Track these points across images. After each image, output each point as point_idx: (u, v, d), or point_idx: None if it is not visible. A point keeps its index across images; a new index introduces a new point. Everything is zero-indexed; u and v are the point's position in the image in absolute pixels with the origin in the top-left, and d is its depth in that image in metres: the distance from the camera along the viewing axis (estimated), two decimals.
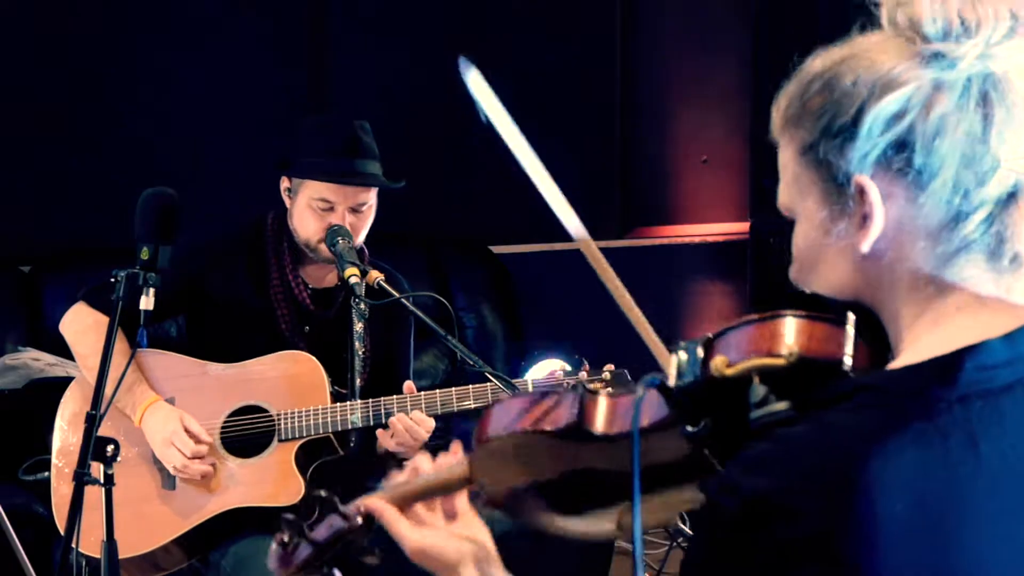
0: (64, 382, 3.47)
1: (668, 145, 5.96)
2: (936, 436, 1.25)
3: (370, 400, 3.35)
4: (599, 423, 1.51)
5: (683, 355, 1.43)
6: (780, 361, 1.38)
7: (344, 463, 3.48)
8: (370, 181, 3.45)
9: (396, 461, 3.41)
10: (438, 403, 3.36)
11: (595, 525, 1.59)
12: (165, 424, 3.33)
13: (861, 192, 1.34)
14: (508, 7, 5.61)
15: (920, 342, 1.34)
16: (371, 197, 3.47)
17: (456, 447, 1.69)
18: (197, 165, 5.03)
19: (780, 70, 5.39)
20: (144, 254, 2.95)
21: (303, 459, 3.38)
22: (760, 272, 5.60)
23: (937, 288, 1.34)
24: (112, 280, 2.97)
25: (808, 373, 1.37)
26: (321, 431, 3.35)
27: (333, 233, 3.37)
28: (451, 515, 1.68)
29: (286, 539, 1.65)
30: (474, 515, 1.69)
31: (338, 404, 3.36)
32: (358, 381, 3.46)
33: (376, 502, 1.67)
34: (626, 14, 5.83)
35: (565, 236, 6.07)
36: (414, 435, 3.32)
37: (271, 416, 3.39)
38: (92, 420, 2.89)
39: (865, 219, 1.34)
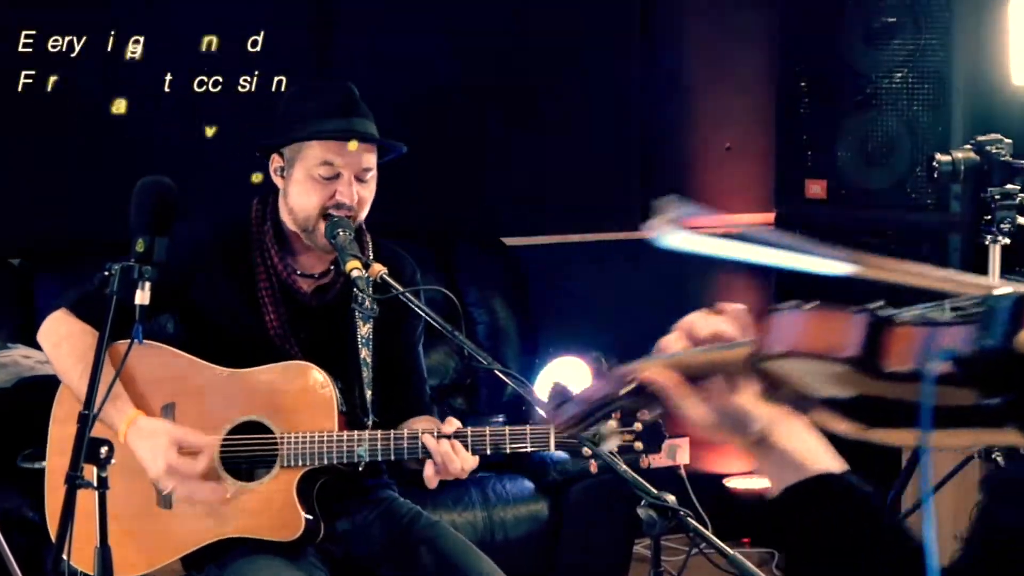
0: (56, 380, 3.45)
1: (689, 132, 5.95)
2: None
3: (379, 433, 3.27)
4: (891, 360, 1.32)
5: (992, 309, 1.23)
6: None
7: (351, 479, 3.44)
8: (371, 139, 3.35)
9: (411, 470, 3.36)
10: (469, 441, 3.25)
11: (896, 438, 1.41)
12: (155, 457, 3.21)
13: None
14: None
15: None
16: (374, 162, 3.38)
17: (739, 313, 1.57)
18: (194, 153, 5.01)
19: (806, 52, 5.41)
20: (139, 246, 2.92)
21: (306, 478, 3.31)
22: None
23: None
24: (106, 274, 2.94)
25: None
26: (325, 461, 3.27)
27: (333, 225, 3.26)
28: (734, 391, 1.53)
29: (556, 395, 1.71)
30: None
31: (345, 433, 3.27)
32: (368, 393, 3.44)
33: (655, 373, 1.54)
34: None
35: (580, 227, 6.10)
36: (449, 465, 3.22)
37: (274, 438, 3.31)
38: (84, 421, 2.87)
39: None
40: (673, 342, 1.58)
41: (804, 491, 1.51)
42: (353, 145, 3.33)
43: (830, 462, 1.52)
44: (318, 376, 3.33)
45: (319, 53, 5.31)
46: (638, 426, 3.19)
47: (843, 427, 1.43)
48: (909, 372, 1.30)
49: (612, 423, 1.69)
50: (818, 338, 1.38)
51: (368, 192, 3.37)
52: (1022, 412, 1.24)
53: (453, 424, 3.27)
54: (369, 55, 5.34)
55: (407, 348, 3.58)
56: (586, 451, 3.09)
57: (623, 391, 1.61)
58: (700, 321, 1.57)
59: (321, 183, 3.32)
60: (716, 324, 1.57)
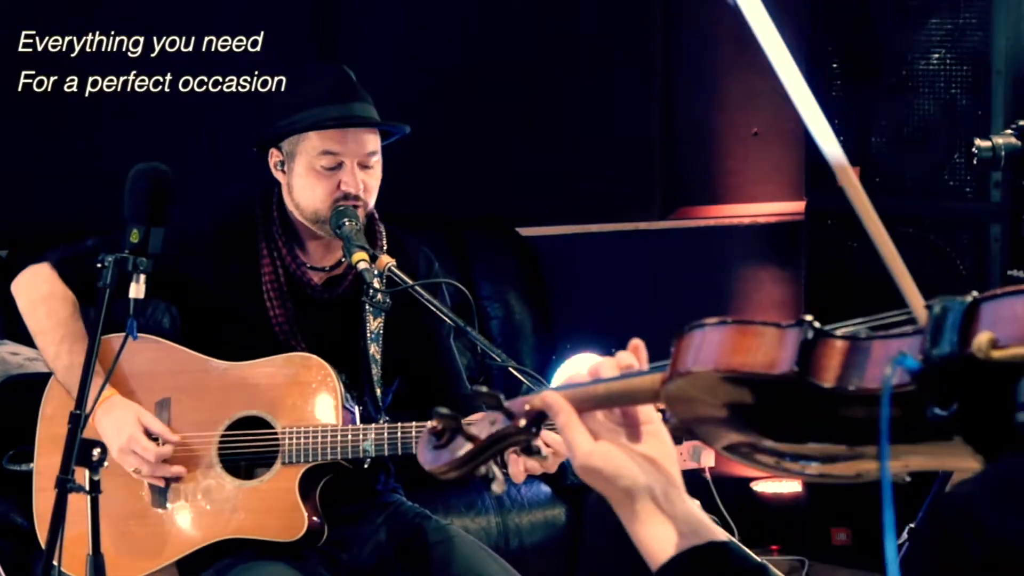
0: (45, 378, 3.43)
1: (714, 116, 5.92)
2: None
3: (386, 425, 3.25)
4: (829, 376, 1.31)
5: (940, 316, 1.24)
6: None
7: (355, 475, 3.41)
8: (373, 123, 3.33)
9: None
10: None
11: (823, 451, 1.39)
12: (120, 428, 3.22)
13: None
14: None
15: None
16: (378, 147, 3.35)
17: (635, 345, 1.54)
18: (190, 138, 5.01)
19: (838, 32, 5.38)
20: (134, 237, 2.92)
21: (308, 476, 3.29)
22: (816, 256, 5.56)
23: None
24: (99, 266, 2.93)
25: None
26: (329, 456, 3.25)
27: (338, 215, 3.24)
28: (633, 428, 1.52)
29: (440, 430, 1.59)
30: (663, 434, 1.52)
31: (350, 427, 3.25)
32: (377, 391, 3.41)
33: (553, 398, 1.52)
34: None
35: (600, 217, 6.09)
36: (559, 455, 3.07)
37: (275, 433, 3.29)
38: (76, 421, 2.85)
39: None
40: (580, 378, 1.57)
41: (693, 560, 1.45)
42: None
43: (667, 552, 1.47)
44: (321, 367, 3.31)
45: (322, 34, 5.30)
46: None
47: (755, 442, 1.41)
48: (853, 391, 1.30)
49: (497, 470, 1.61)
50: (747, 355, 1.36)
51: (374, 178, 3.34)
52: (967, 423, 1.23)
53: None
54: (375, 42, 5.31)
55: (434, 342, 3.53)
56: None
57: (522, 423, 1.56)
58: (607, 364, 1.55)
59: (324, 175, 3.30)
60: (623, 359, 1.55)
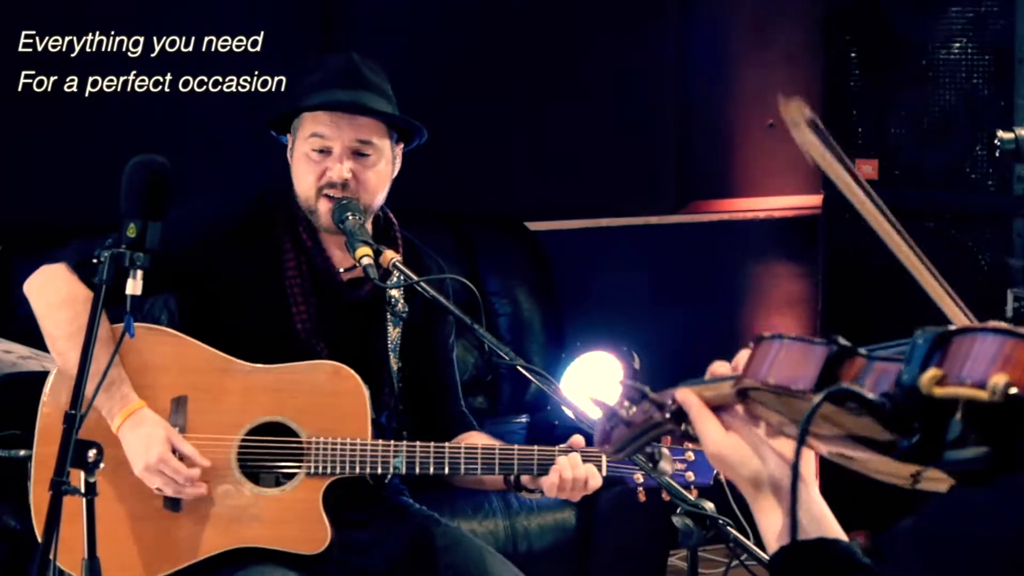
0: (39, 377, 3.40)
1: (729, 107, 5.90)
2: None
3: (419, 444, 3.22)
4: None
5: (912, 346, 1.29)
6: (984, 395, 1.21)
7: (365, 487, 3.39)
8: (364, 110, 3.27)
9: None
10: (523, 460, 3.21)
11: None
12: (149, 446, 3.14)
13: None
14: None
15: None
16: (376, 138, 3.29)
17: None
18: (189, 138, 5.00)
19: (855, 21, 5.36)
20: (131, 231, 2.88)
21: (327, 489, 3.26)
22: (833, 251, 5.54)
23: None
24: (95, 261, 2.91)
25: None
26: (357, 470, 3.21)
27: (341, 208, 3.19)
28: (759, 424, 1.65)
29: (609, 418, 1.81)
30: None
31: (380, 442, 3.22)
32: (399, 405, 3.38)
33: (686, 395, 1.67)
34: None
35: (611, 211, 6.05)
36: (576, 489, 3.15)
37: (300, 442, 3.24)
38: (72, 421, 2.82)
39: None
40: (718, 367, 1.68)
41: (799, 553, 1.55)
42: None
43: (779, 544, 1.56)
44: (351, 378, 3.26)
45: (327, 22, 5.29)
46: (689, 455, 3.14)
47: (855, 453, 1.47)
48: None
49: (665, 449, 1.80)
50: (781, 371, 1.47)
51: (371, 172, 3.28)
52: (924, 456, 1.29)
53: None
54: (377, 40, 5.29)
55: (441, 357, 3.52)
56: (638, 477, 3.06)
57: (666, 415, 1.69)
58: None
59: (313, 161, 3.26)
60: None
